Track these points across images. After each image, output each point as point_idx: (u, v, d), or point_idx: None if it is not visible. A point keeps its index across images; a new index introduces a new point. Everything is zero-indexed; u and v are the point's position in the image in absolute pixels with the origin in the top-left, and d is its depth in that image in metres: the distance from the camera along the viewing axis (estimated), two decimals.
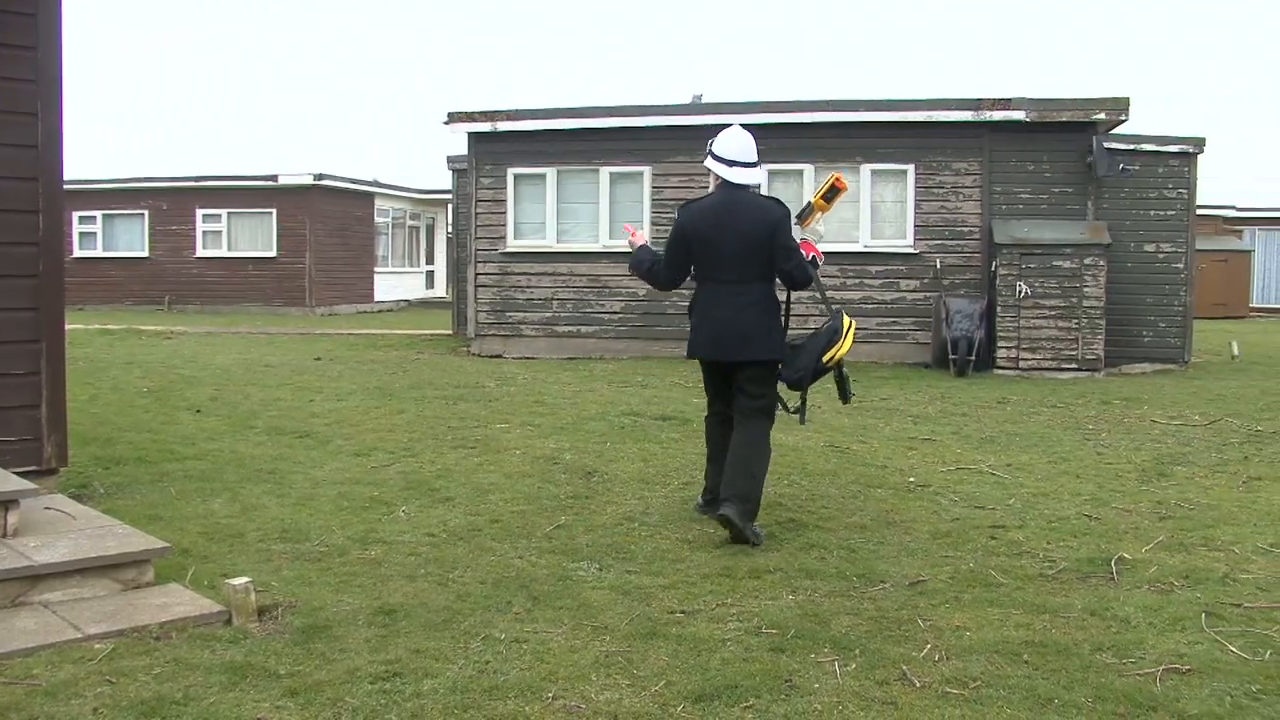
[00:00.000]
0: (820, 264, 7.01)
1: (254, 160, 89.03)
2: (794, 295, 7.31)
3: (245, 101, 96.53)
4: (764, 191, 17.65)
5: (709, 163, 6.90)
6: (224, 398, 11.81)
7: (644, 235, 7.45)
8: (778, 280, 6.78)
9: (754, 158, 6.88)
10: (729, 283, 6.70)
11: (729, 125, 7.05)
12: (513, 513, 7.13)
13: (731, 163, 6.81)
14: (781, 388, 6.97)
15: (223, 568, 5.78)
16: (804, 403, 7.11)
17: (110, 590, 5.30)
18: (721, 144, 6.87)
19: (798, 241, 6.82)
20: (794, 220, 6.95)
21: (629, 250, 7.30)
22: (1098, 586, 5.73)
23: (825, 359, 6.82)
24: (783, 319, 6.92)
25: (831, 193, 7.28)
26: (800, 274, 6.74)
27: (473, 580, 5.73)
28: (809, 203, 7.36)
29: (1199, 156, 17.40)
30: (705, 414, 7.29)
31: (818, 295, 7.62)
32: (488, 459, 8.78)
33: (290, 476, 8.09)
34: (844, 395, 7.17)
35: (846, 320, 6.95)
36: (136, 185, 32.44)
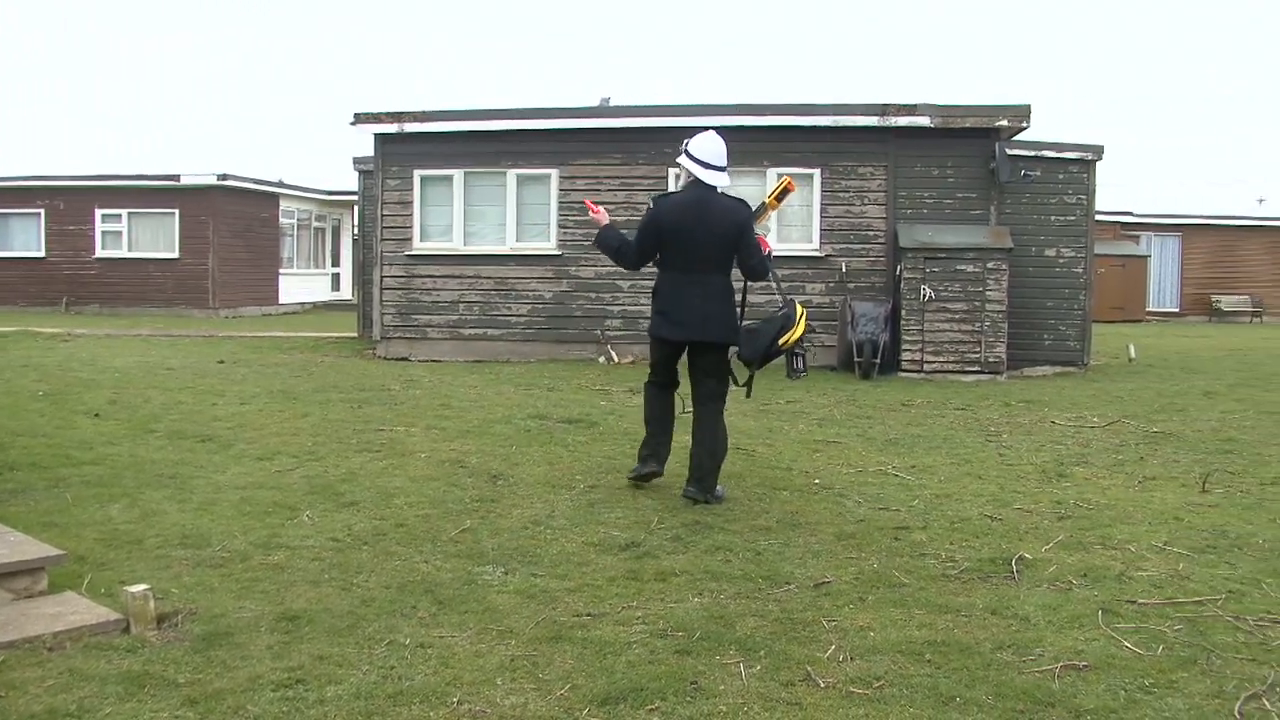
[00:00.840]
0: (771, 257, 7.85)
1: (156, 160, 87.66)
2: (750, 285, 7.97)
3: (147, 100, 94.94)
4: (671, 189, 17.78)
5: (683, 160, 7.66)
6: (123, 401, 11.59)
7: (606, 214, 8.23)
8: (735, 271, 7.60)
9: (725, 162, 7.68)
10: (695, 272, 7.55)
11: (706, 129, 7.88)
12: (418, 517, 7.07)
13: (706, 165, 7.59)
14: (738, 366, 7.86)
15: (121, 575, 5.66)
16: (751, 379, 8.09)
17: (1, 600, 5.17)
18: (698, 146, 7.63)
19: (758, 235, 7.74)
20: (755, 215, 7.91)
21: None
22: (999, 586, 5.80)
23: (781, 343, 7.77)
24: (739, 307, 7.80)
25: (783, 194, 8.33)
26: (761, 268, 7.65)
27: (377, 585, 5.68)
28: (762, 202, 8.35)
29: (1097, 163, 17.75)
30: (650, 386, 8.04)
31: (773, 286, 8.42)
32: (393, 463, 8.70)
33: (191, 481, 7.96)
34: (792, 372, 8.12)
35: (799, 309, 7.85)
36: (32, 184, 31.78)
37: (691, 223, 7.52)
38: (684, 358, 7.87)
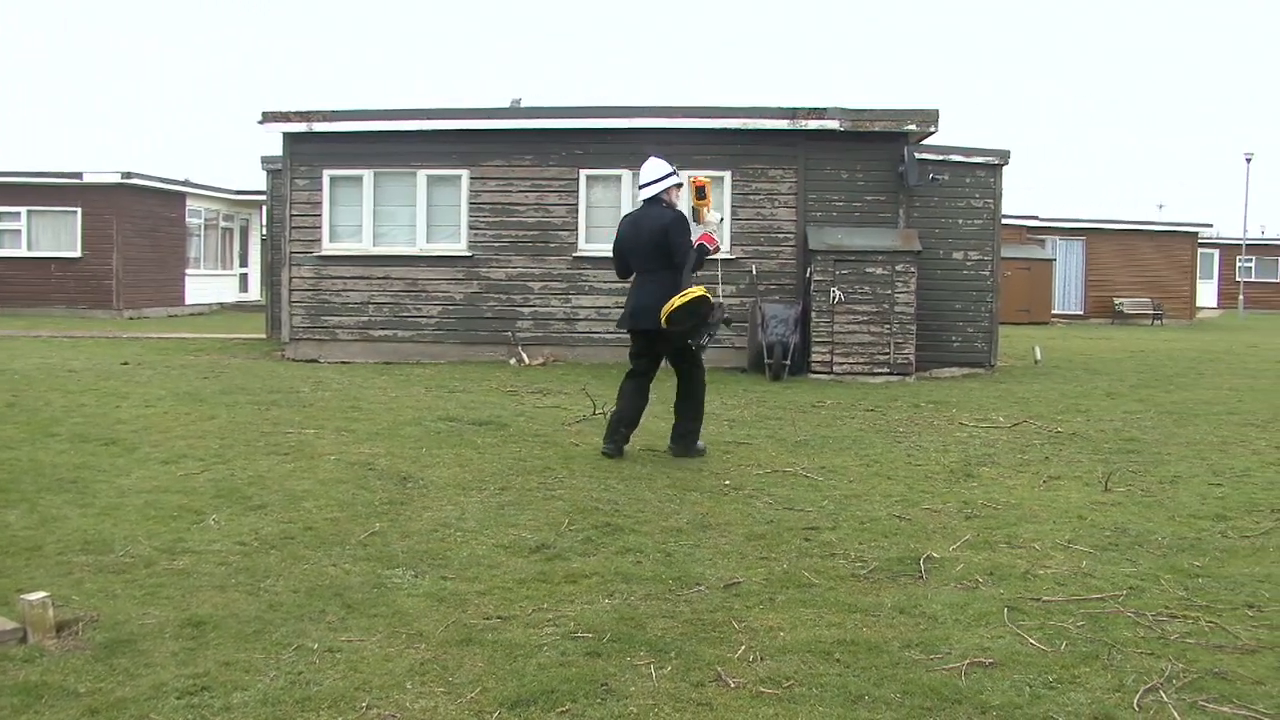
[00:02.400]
0: (711, 250, 9.42)
1: (57, 157, 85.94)
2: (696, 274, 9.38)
3: (49, 98, 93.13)
4: (583, 195, 17.78)
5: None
6: (22, 404, 11.34)
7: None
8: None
9: (652, 178, 9.42)
10: (644, 271, 9.36)
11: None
12: (327, 520, 7.00)
13: (641, 186, 9.48)
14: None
15: (18, 583, 5.54)
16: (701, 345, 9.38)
17: None
18: (646, 169, 9.52)
19: (697, 236, 9.29)
20: (693, 222, 9.48)
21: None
22: (907, 585, 5.86)
23: (664, 309, 8.97)
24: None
25: (699, 193, 9.64)
26: (680, 258, 9.14)
27: (285, 589, 5.61)
28: (692, 207, 9.68)
29: (1004, 168, 18.03)
30: (627, 373, 9.66)
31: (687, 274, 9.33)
32: (301, 465, 8.60)
33: (94, 485, 7.80)
34: (697, 346, 9.36)
35: (695, 289, 9.01)
36: None
37: (632, 234, 9.40)
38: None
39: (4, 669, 4.46)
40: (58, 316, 29.38)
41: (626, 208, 17.55)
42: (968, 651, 4.83)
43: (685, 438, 9.41)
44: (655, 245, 9.22)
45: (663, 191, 9.43)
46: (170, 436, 9.71)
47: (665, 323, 9.02)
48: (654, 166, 9.51)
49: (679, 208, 9.60)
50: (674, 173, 9.61)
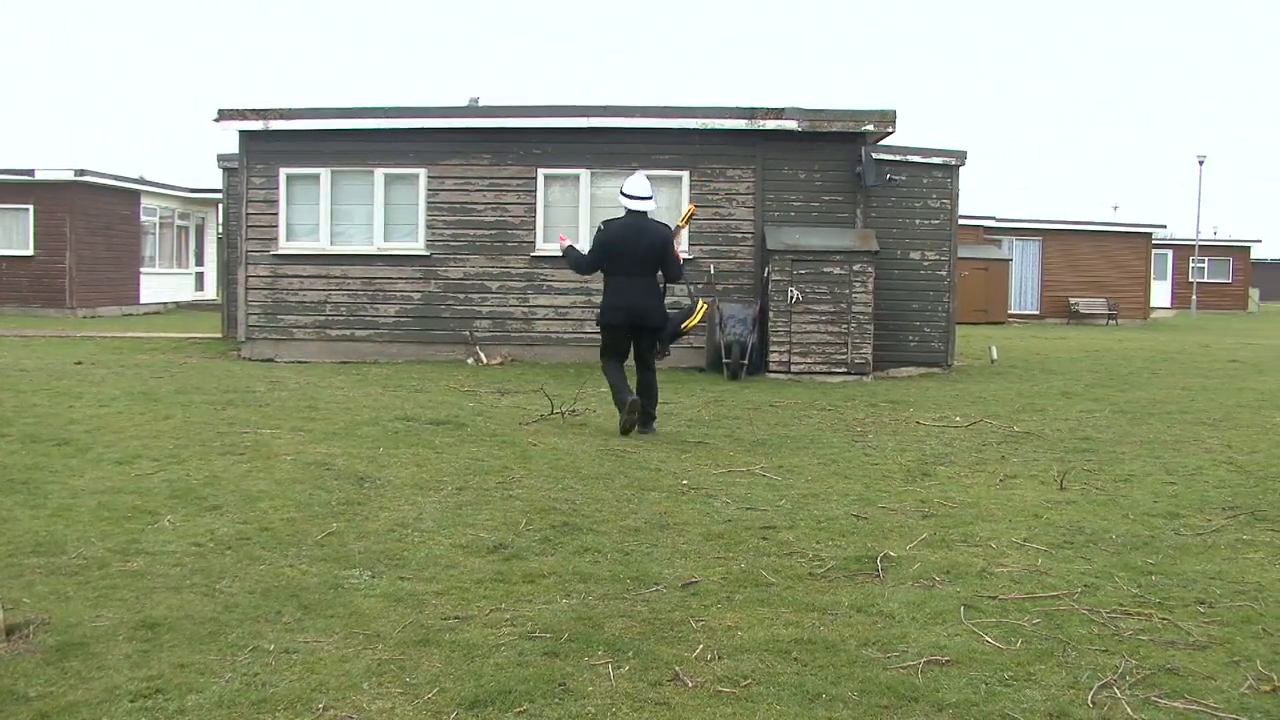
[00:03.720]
0: (683, 265, 11.13)
1: (9, 155, 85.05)
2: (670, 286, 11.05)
3: (2, 93, 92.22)
4: (541, 194, 17.75)
5: (620, 199, 10.88)
6: None
7: (568, 238, 12.10)
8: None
9: (648, 194, 10.86)
10: (636, 276, 10.69)
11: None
12: (283, 520, 6.95)
13: (633, 198, 10.76)
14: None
15: None
16: (667, 347, 11.20)
17: None
18: (629, 186, 10.85)
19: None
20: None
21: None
22: (864, 584, 5.89)
23: (683, 326, 11.07)
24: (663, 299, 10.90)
25: (689, 218, 12.04)
26: (679, 273, 11.01)
27: (241, 590, 5.57)
28: (676, 226, 11.71)
29: (961, 169, 18.12)
30: (607, 361, 11.02)
31: (687, 287, 11.70)
32: (257, 465, 8.54)
33: (46, 486, 7.72)
34: (663, 352, 11.22)
35: (701, 304, 11.28)
36: None
37: (633, 240, 10.64)
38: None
39: None
40: (9, 315, 29.07)
41: (585, 207, 17.62)
42: (924, 649, 4.85)
43: (651, 420, 10.80)
44: (653, 255, 10.66)
45: (652, 209, 10.97)
46: (124, 437, 9.63)
47: (682, 330, 11.12)
48: (645, 184, 10.91)
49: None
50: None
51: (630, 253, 10.63)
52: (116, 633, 4.91)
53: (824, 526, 7.10)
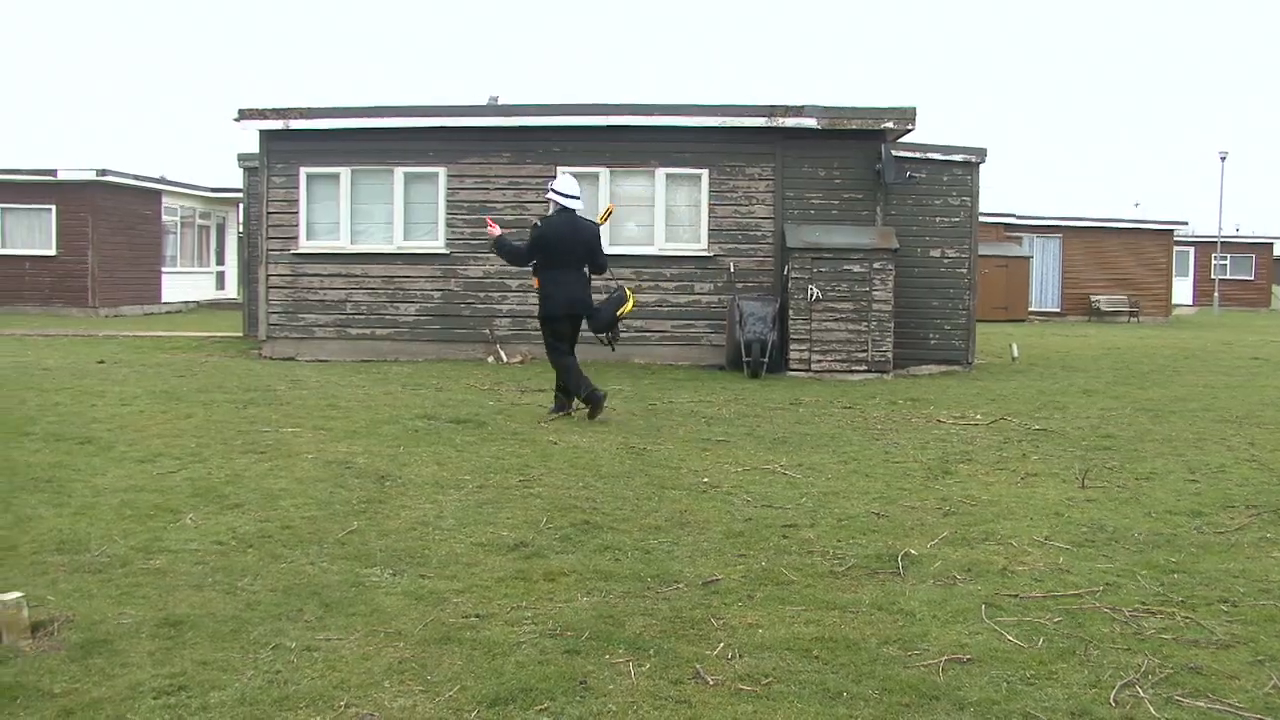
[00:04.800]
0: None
1: (32, 155, 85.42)
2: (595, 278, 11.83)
3: (23, 95, 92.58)
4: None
5: (554, 196, 11.53)
6: None
7: (498, 227, 12.14)
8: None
9: (578, 193, 11.60)
10: (570, 269, 11.42)
11: (564, 174, 11.91)
12: (304, 518, 6.97)
13: (569, 196, 11.46)
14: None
15: None
16: (614, 338, 11.90)
17: None
18: (561, 185, 11.56)
19: None
20: None
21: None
22: (885, 582, 5.88)
23: (618, 314, 11.63)
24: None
25: (607, 215, 12.73)
26: (605, 265, 11.83)
27: (262, 588, 5.59)
28: (596, 222, 12.03)
29: (981, 166, 18.07)
30: (562, 355, 11.54)
31: (610, 279, 12.71)
32: (279, 464, 8.57)
33: (70, 485, 7.76)
34: (614, 341, 11.99)
35: (629, 292, 11.88)
36: None
37: (570, 236, 11.41)
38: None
39: None
40: (32, 315, 29.21)
41: (604, 206, 17.58)
42: (945, 648, 4.84)
43: (570, 404, 11.56)
44: (586, 250, 11.52)
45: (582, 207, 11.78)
46: (146, 435, 9.67)
47: (617, 317, 11.68)
48: (575, 184, 11.74)
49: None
50: None
51: (568, 248, 11.37)
52: (139, 630, 4.94)
53: (845, 525, 7.09)
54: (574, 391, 11.36)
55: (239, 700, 4.21)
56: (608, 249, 17.52)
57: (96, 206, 30.60)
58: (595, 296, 11.92)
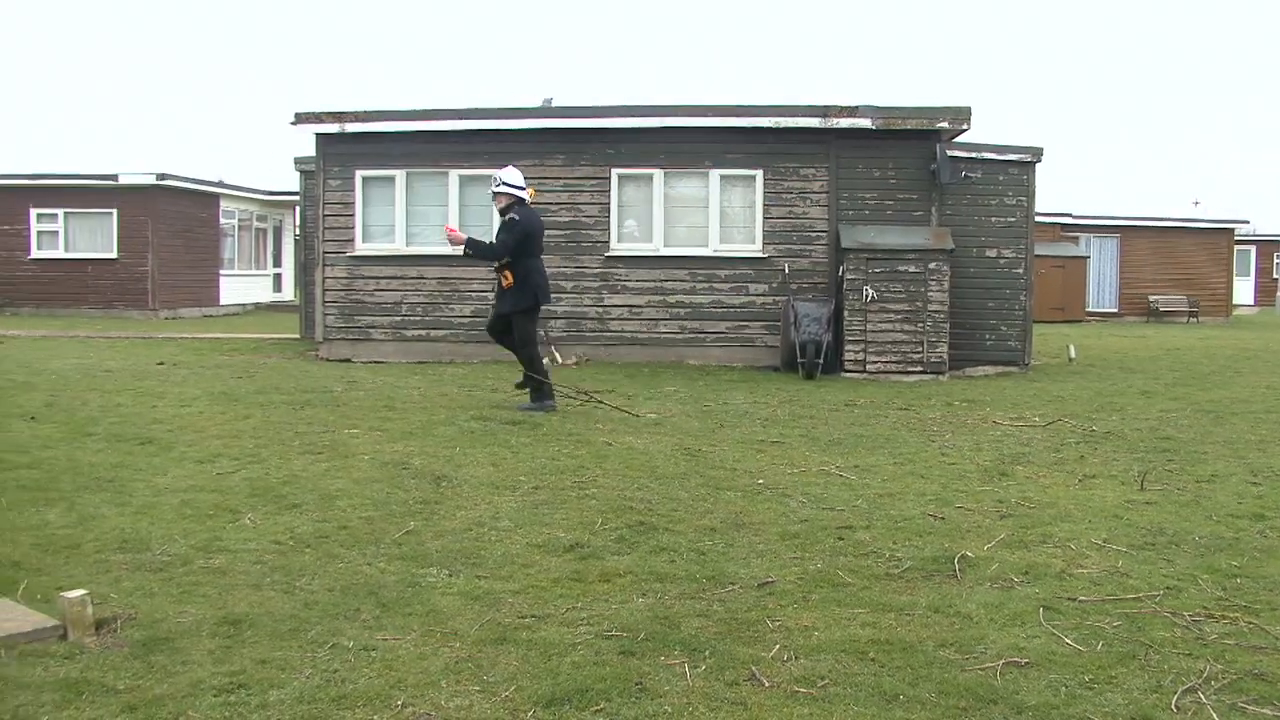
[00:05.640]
0: None
1: (93, 159, 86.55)
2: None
3: (85, 99, 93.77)
4: (615, 194, 17.78)
5: (505, 188, 11.77)
6: (60, 404, 11.43)
7: (461, 232, 12.36)
8: None
9: (523, 184, 11.89)
10: (539, 256, 11.87)
11: (507, 166, 12.24)
12: (361, 519, 7.02)
13: (518, 188, 11.77)
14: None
15: (58, 580, 5.58)
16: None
17: None
18: (510, 177, 11.84)
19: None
20: None
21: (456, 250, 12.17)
22: (941, 584, 5.85)
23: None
24: None
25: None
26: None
27: (320, 588, 5.64)
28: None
29: (1037, 165, 17.94)
30: (537, 342, 12.04)
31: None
32: (336, 464, 8.64)
33: (131, 484, 7.86)
34: None
35: None
36: None
37: (539, 226, 11.99)
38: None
39: (45, 665, 4.51)
40: (94, 317, 29.61)
41: (659, 207, 17.66)
42: (1003, 651, 4.81)
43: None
44: (542, 238, 12.14)
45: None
46: (205, 436, 9.77)
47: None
48: (521, 175, 12.00)
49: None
50: None
51: (540, 238, 12.03)
52: (200, 628, 4.99)
53: (900, 526, 7.05)
54: (535, 378, 11.70)
55: (297, 699, 4.24)
56: (662, 251, 17.86)
57: (156, 210, 30.99)
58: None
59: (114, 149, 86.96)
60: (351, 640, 4.88)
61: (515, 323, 11.83)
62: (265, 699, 4.24)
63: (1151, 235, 39.01)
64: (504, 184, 11.75)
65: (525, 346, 11.85)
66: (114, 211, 30.93)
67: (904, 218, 17.28)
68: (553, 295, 17.83)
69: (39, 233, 31.19)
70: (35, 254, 31.18)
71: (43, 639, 4.77)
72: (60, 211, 31.05)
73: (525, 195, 11.83)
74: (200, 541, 6.43)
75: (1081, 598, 5.59)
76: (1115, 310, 38.73)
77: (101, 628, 4.92)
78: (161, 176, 30.88)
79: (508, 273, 11.68)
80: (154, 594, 5.47)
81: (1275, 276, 49.64)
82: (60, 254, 31.13)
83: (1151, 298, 38.72)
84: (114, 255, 30.98)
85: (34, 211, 31.08)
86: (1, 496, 7.40)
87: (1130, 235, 38.97)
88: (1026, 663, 4.68)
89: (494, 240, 11.94)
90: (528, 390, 11.87)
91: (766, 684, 4.43)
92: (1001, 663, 4.66)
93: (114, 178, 30.81)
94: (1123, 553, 6.46)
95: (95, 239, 31.16)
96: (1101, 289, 38.90)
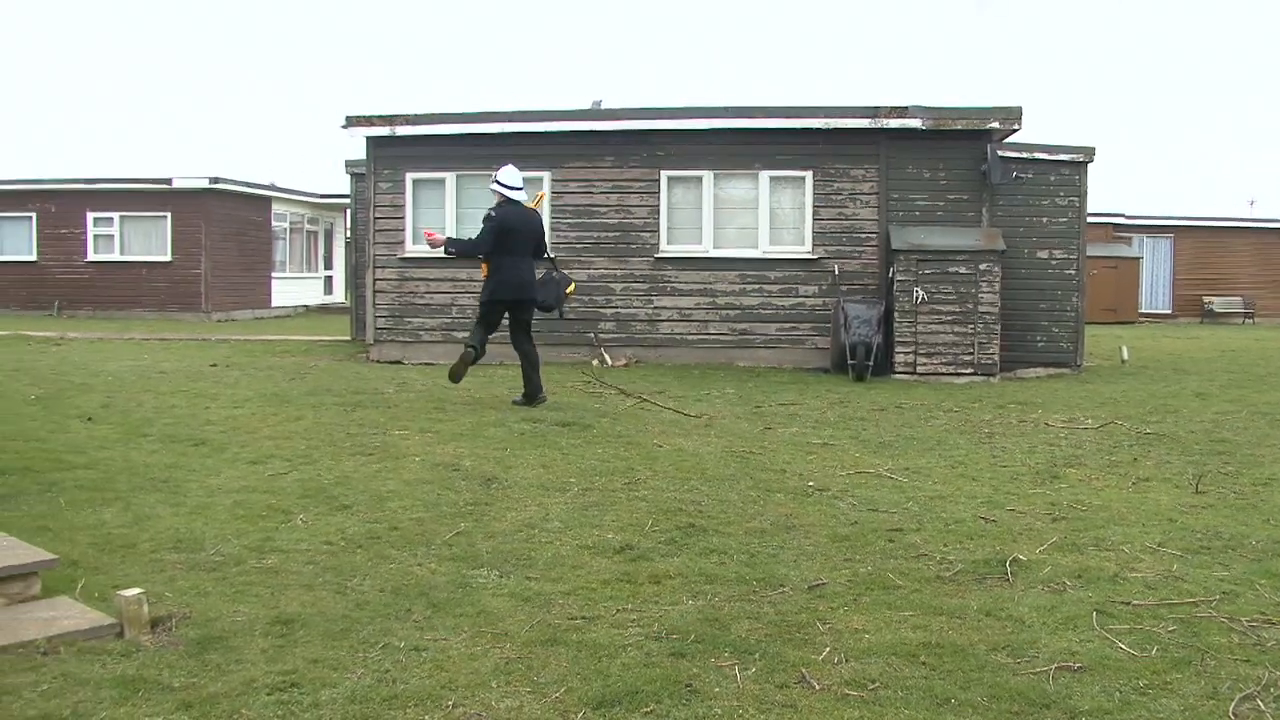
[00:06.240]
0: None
1: (147, 163, 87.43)
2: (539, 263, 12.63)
3: (139, 103, 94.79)
4: (664, 196, 17.76)
5: (499, 189, 12.23)
6: (116, 405, 11.56)
7: (439, 234, 12.88)
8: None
9: (521, 184, 12.36)
10: (520, 255, 12.16)
11: (506, 166, 12.49)
12: (412, 520, 7.07)
13: (512, 188, 12.22)
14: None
15: (114, 579, 5.66)
16: (562, 312, 13.00)
17: None
18: (506, 178, 12.26)
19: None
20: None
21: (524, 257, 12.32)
22: (993, 587, 5.81)
23: (567, 292, 12.65)
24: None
25: (539, 201, 13.43)
26: (544, 253, 12.56)
27: (371, 588, 5.68)
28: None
29: (1089, 165, 17.80)
30: (479, 332, 12.33)
31: (552, 265, 12.90)
32: (386, 466, 8.69)
33: (185, 485, 7.94)
34: (562, 315, 13.24)
35: (570, 279, 12.91)
36: (24, 187, 31.74)
37: (522, 226, 12.19)
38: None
39: (103, 662, 4.58)
40: (149, 319, 29.94)
41: (708, 209, 17.65)
42: (1056, 655, 4.78)
43: (537, 391, 12.22)
44: (535, 237, 12.33)
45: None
46: (258, 437, 9.86)
47: (566, 295, 12.65)
48: (519, 176, 12.38)
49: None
50: None
51: (520, 237, 12.13)
52: (253, 627, 5.04)
53: (951, 529, 7.02)
54: (473, 356, 12.11)
55: (349, 698, 4.28)
56: (712, 253, 17.84)
57: (209, 213, 31.32)
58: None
59: (168, 153, 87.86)
60: (402, 640, 4.91)
61: (479, 311, 12.53)
62: (317, 698, 4.28)
63: (1206, 235, 38.61)
64: (496, 182, 12.26)
65: (474, 331, 12.44)
66: (168, 215, 31.29)
67: (954, 219, 17.18)
68: (602, 297, 18.02)
69: (95, 236, 31.60)
70: (91, 257, 31.59)
71: (100, 636, 4.85)
72: (116, 215, 31.45)
73: (517, 195, 12.22)
74: (253, 542, 6.50)
75: (1135, 602, 5.54)
76: (1169, 311, 38.35)
77: (157, 626, 4.99)
78: (214, 180, 31.20)
79: (484, 265, 12.29)
80: (208, 593, 5.53)
81: None
82: (116, 257, 31.53)
83: (1206, 299, 38.31)
84: (168, 258, 31.32)
85: (90, 215, 31.49)
86: (60, 496, 7.51)
87: (1184, 235, 38.58)
88: (1080, 667, 4.64)
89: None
90: (524, 395, 12.33)
91: (817, 687, 4.42)
92: (1054, 667, 4.63)
93: (168, 182, 31.15)
94: (1177, 556, 6.40)
95: (150, 242, 31.53)
96: (1155, 290, 38.53)
